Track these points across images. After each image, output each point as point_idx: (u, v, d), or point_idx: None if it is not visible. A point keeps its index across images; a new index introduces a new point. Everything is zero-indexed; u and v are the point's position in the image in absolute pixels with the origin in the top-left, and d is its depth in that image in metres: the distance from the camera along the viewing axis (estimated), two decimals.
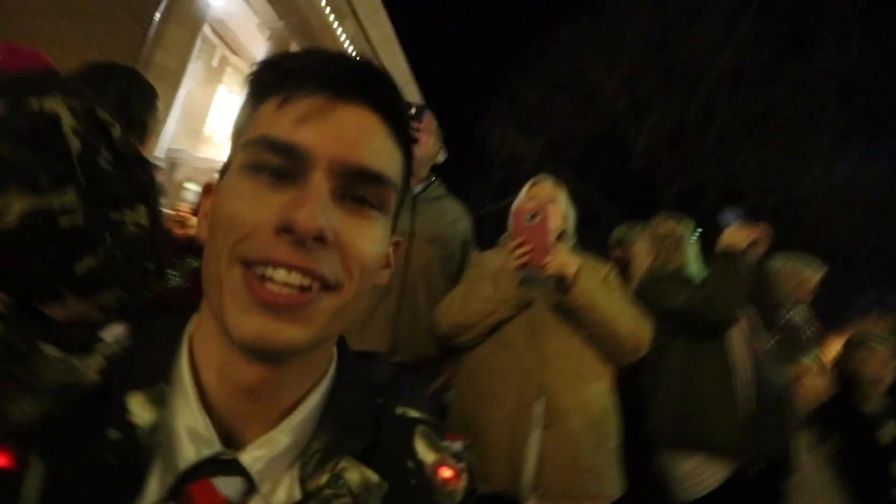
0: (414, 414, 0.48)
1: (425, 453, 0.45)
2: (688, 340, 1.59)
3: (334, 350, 0.45)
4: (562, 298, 1.26)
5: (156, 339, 0.41)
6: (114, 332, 0.91)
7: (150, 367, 0.38)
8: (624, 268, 1.97)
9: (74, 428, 0.35)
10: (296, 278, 0.34)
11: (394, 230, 0.44)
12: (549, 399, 1.22)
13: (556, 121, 13.26)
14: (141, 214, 0.97)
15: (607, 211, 11.35)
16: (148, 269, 0.98)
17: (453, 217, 1.72)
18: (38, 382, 0.36)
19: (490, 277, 1.33)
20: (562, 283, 1.25)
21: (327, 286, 0.36)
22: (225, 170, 0.40)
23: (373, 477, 0.40)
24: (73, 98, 0.91)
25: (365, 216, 0.38)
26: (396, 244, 0.47)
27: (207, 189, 0.43)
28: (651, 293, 1.65)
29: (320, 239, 0.34)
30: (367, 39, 9.66)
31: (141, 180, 0.99)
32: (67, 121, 0.87)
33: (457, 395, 1.40)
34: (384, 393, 0.48)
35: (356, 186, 0.37)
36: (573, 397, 1.24)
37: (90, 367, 0.38)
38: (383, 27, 9.85)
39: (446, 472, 0.45)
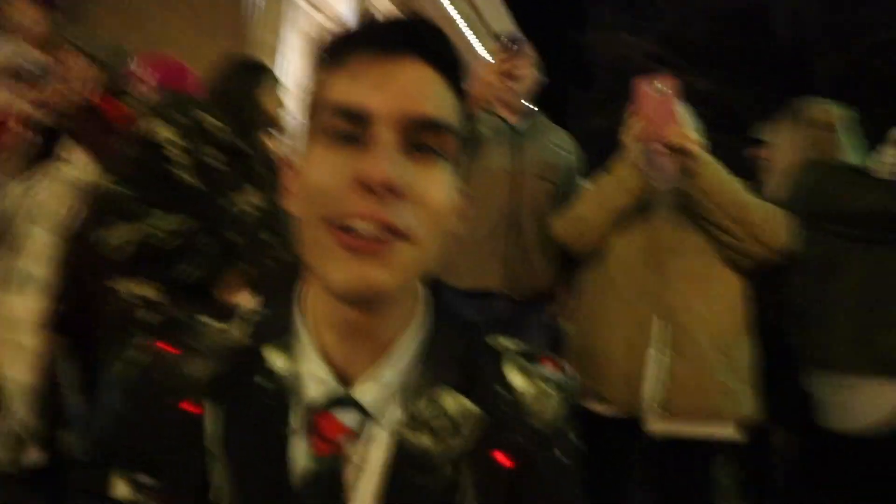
0: (505, 343, 0.51)
1: (517, 380, 0.47)
2: (871, 248, 1.34)
3: (422, 289, 0.48)
4: (687, 182, 1.17)
5: (278, 300, 0.48)
6: (248, 299, 1.09)
7: (277, 324, 0.45)
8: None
9: (234, 379, 0.43)
10: (373, 228, 0.37)
11: (461, 177, 0.46)
12: (672, 319, 1.19)
13: (667, 7, 11.33)
14: (253, 195, 1.12)
15: (746, 107, 9.67)
16: (266, 242, 1.12)
17: (559, 149, 1.66)
18: (204, 347, 0.45)
19: (605, 172, 1.29)
20: (686, 169, 1.16)
21: (402, 237, 0.38)
22: (298, 141, 0.43)
23: (468, 404, 0.44)
24: (179, 115, 1.10)
25: (432, 164, 0.40)
26: (466, 195, 0.48)
27: (286, 162, 0.46)
28: (819, 189, 1.39)
29: (392, 190, 0.36)
30: None
31: (249, 165, 1.12)
32: (170, 138, 1.10)
33: (575, 320, 1.41)
34: (480, 327, 0.52)
35: (420, 136, 0.39)
36: (698, 316, 1.19)
37: (237, 330, 0.46)
38: None
39: (539, 397, 0.47)
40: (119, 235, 1.06)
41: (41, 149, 1.42)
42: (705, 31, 11.12)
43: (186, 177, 1.11)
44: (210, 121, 1.14)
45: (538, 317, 1.60)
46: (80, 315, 1.25)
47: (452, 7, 9.97)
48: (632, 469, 1.34)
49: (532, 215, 1.54)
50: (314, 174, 0.39)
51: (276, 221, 1.16)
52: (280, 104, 1.33)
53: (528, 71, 1.58)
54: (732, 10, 10.88)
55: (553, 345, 1.56)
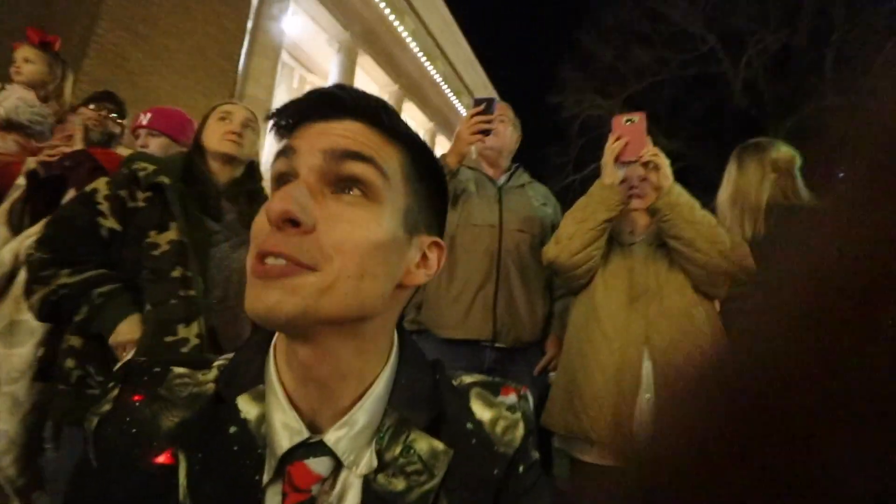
0: (469, 379, 0.53)
1: (482, 412, 0.49)
2: None
3: (395, 338, 0.49)
4: (659, 201, 1.25)
5: (252, 350, 0.48)
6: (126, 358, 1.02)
7: (249, 373, 0.45)
8: None
9: (205, 428, 0.43)
10: (279, 260, 0.39)
11: (413, 230, 0.46)
12: (660, 359, 1.22)
13: (635, 74, 12.30)
14: (172, 232, 1.11)
15: (706, 165, 10.32)
16: (176, 279, 1.09)
17: (540, 202, 1.73)
18: (176, 397, 0.44)
19: (585, 196, 1.37)
20: (658, 185, 1.26)
21: (304, 267, 0.39)
22: None
23: (439, 445, 0.45)
24: (123, 167, 1.16)
25: (350, 202, 0.42)
26: (436, 244, 0.49)
27: None
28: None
29: (291, 221, 0.38)
30: (428, 31, 9.75)
31: (170, 199, 1.12)
32: (102, 191, 1.13)
33: (562, 358, 1.43)
34: (444, 366, 0.53)
35: (339, 168, 0.41)
36: (682, 353, 1.21)
37: (208, 379, 0.46)
38: (442, 15, 9.86)
39: (503, 424, 0.49)
40: (36, 298, 1.08)
41: (46, 201, 1.43)
42: (669, 97, 12.07)
43: (108, 223, 1.11)
44: (142, 165, 1.14)
45: (526, 366, 1.61)
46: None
47: (434, 69, 10.58)
48: None
49: (516, 266, 1.59)
50: (258, 217, 0.42)
51: (188, 256, 1.11)
52: (225, 137, 1.25)
53: (503, 128, 1.69)
54: (694, 80, 11.88)
55: (542, 395, 1.56)
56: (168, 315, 1.08)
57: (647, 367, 1.23)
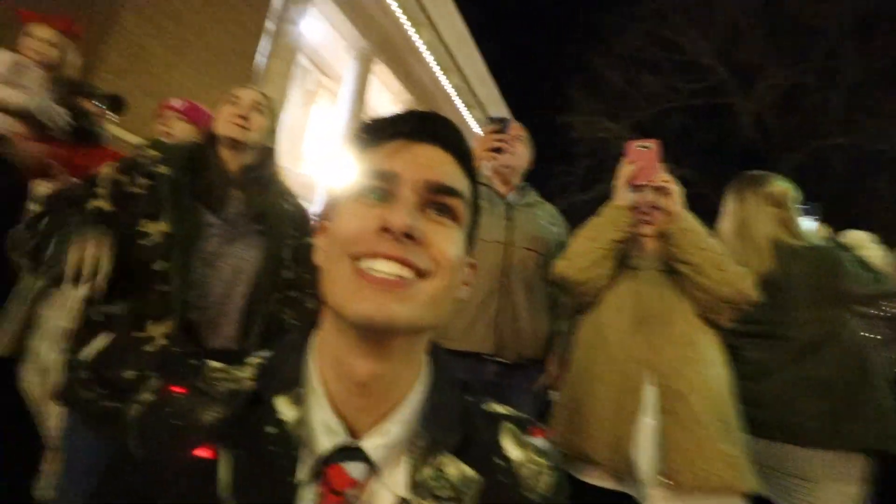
0: (500, 410, 0.53)
1: (512, 450, 0.50)
2: (855, 328, 1.45)
3: (426, 356, 0.51)
4: (670, 226, 1.28)
5: (290, 350, 0.49)
6: (95, 345, 0.99)
7: (288, 374, 0.47)
8: None
9: (243, 425, 0.44)
10: (394, 268, 0.43)
11: (469, 248, 0.52)
12: (666, 385, 1.21)
13: (645, 99, 12.42)
14: (163, 225, 1.08)
15: (711, 193, 10.38)
16: (154, 272, 1.06)
17: (547, 222, 1.75)
18: (214, 392, 0.46)
19: (596, 216, 1.39)
20: (668, 210, 1.29)
21: (420, 274, 0.44)
22: (333, 209, 0.50)
23: (469, 472, 0.46)
24: (132, 153, 1.15)
25: (443, 223, 0.48)
26: (472, 266, 0.55)
27: (321, 228, 0.52)
28: (838, 271, 1.46)
29: (409, 236, 0.43)
30: (444, 44, 9.87)
31: (165, 189, 1.10)
32: (105, 174, 1.11)
33: (567, 376, 1.42)
34: (475, 390, 0.54)
35: (435, 197, 0.47)
36: (690, 382, 1.20)
37: (246, 377, 0.48)
38: (458, 30, 9.99)
39: (531, 468, 0.49)
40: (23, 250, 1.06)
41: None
42: (678, 125, 12.18)
43: (98, 203, 1.08)
44: (147, 153, 1.13)
45: (526, 382, 1.61)
46: None
47: (448, 82, 10.69)
48: None
49: (521, 283, 1.59)
50: (348, 223, 0.46)
51: (171, 251, 1.07)
52: (231, 120, 1.22)
53: (517, 148, 1.71)
54: (703, 109, 12.00)
55: (540, 413, 1.55)
56: (142, 309, 1.05)
57: (649, 391, 1.23)
